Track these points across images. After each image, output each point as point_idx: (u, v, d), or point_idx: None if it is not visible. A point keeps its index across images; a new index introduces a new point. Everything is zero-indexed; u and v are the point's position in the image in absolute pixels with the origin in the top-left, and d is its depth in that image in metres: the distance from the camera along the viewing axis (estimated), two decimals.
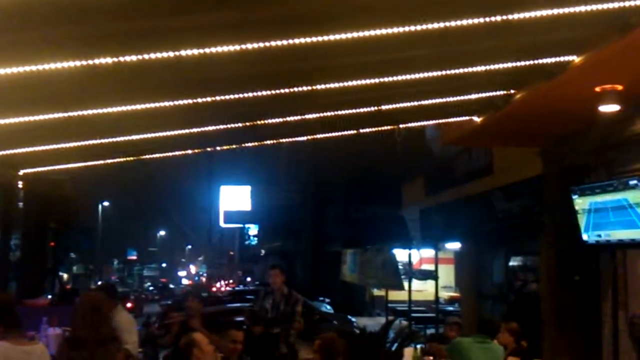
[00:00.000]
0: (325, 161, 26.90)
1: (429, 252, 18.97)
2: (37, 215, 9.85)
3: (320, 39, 4.64)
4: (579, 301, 8.57)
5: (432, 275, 15.43)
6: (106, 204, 50.18)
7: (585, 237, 7.52)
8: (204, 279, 58.14)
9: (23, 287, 9.76)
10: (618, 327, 7.70)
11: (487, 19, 4.56)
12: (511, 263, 13.92)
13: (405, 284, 15.39)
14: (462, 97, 7.12)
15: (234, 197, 40.88)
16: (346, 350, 5.53)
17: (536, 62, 5.89)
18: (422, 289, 21.73)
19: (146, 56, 4.50)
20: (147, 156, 8.60)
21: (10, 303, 5.16)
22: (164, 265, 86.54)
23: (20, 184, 8.86)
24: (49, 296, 10.09)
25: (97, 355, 5.37)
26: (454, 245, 17.94)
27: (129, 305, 27.04)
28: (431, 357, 7.55)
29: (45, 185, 9.53)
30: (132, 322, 7.13)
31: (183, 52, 4.53)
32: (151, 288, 57.81)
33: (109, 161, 8.57)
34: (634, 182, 6.72)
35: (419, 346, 8.33)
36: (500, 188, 11.28)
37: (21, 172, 8.66)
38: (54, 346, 5.93)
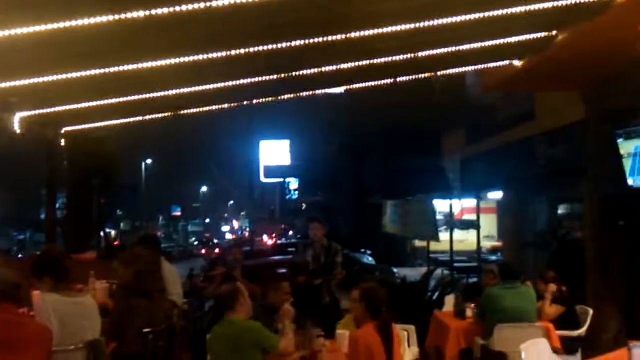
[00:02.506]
0: (364, 113, 26.69)
1: (470, 202, 18.86)
2: (80, 173, 10.04)
3: None
4: (623, 247, 8.44)
5: (474, 225, 15.37)
6: (150, 162, 51.04)
7: (630, 181, 7.34)
8: (247, 234, 59.03)
9: (70, 242, 10.02)
10: None
11: None
12: (555, 211, 13.73)
13: (447, 235, 15.37)
14: (501, 41, 6.92)
15: (274, 152, 41.09)
16: (387, 299, 5.55)
17: (578, 1, 5.67)
18: (464, 239, 21.70)
19: (177, 8, 4.48)
20: (185, 112, 8.64)
21: (60, 256, 5.29)
22: (207, 221, 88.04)
23: (62, 142, 9.00)
24: (96, 251, 10.37)
25: (154, 305, 5.64)
26: (496, 195, 17.77)
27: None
28: (473, 305, 7.55)
29: (88, 142, 9.69)
30: (176, 273, 7.29)
31: (214, 3, 4.49)
32: (196, 243, 59.03)
33: (147, 117, 8.65)
34: None
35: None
36: (543, 134, 11.05)
37: (63, 130, 8.80)
38: (101, 298, 6.11)
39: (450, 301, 8.49)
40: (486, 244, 22.03)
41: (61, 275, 5.00)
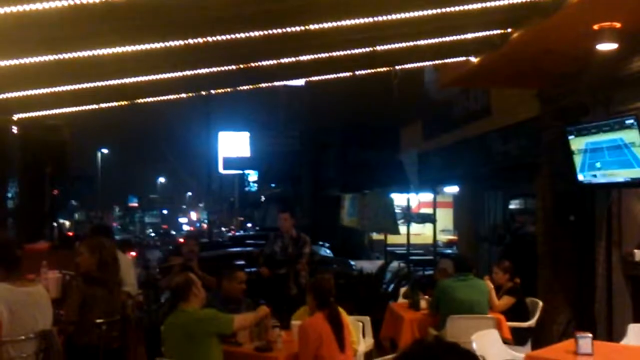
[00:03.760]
0: (323, 105, 26.76)
1: (427, 196, 19.08)
2: (33, 161, 9.83)
3: None
4: (573, 241, 8.67)
5: (430, 219, 15.57)
6: (105, 151, 50.21)
7: (580, 177, 7.53)
8: (205, 226, 58.64)
9: (22, 232, 9.82)
10: (611, 265, 7.80)
11: None
12: (508, 205, 14.01)
13: (404, 228, 15.53)
14: (458, 37, 7.01)
15: (233, 143, 40.82)
16: (336, 289, 5.63)
17: None
18: (421, 233, 21.96)
19: None
20: (141, 100, 8.53)
21: (10, 244, 5.20)
22: (164, 212, 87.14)
23: (15, 129, 8.81)
24: (49, 241, 10.18)
25: (112, 295, 5.62)
26: (453, 189, 18.03)
27: (132, 253, 27.36)
28: (426, 296, 7.68)
29: (41, 130, 9.49)
30: (130, 264, 7.22)
31: None
32: (152, 234, 58.36)
33: (103, 105, 8.51)
34: (630, 121, 6.69)
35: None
36: (498, 130, 11.25)
37: (15, 117, 8.60)
38: (53, 288, 6.01)
39: (404, 292, 8.62)
40: (442, 238, 22.35)
41: (11, 264, 4.91)
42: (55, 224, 12.13)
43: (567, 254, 8.78)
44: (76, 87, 7.15)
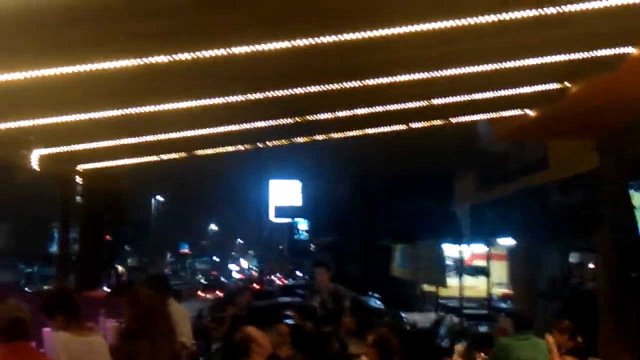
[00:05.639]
0: (376, 155, 26.80)
1: (481, 248, 18.75)
2: (94, 210, 10.09)
3: (369, 34, 4.64)
4: (636, 298, 8.36)
5: (484, 272, 15.26)
6: (160, 198, 51.21)
7: None
8: (254, 273, 58.78)
9: (81, 279, 10.03)
10: None
11: (541, 11, 4.48)
12: (566, 259, 13.64)
13: (456, 280, 15.27)
14: (515, 91, 7.00)
15: (284, 191, 41.18)
16: (400, 347, 5.52)
17: (592, 54, 5.75)
18: (474, 285, 21.48)
19: (199, 54, 4.59)
20: (200, 152, 8.74)
21: (70, 294, 5.30)
22: (215, 258, 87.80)
23: (78, 179, 9.09)
24: (106, 288, 10.36)
25: (157, 349, 5.56)
26: (507, 241, 17.67)
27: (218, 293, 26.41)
28: (482, 353, 7.47)
29: (102, 180, 9.77)
30: (185, 314, 7.25)
31: (235, 50, 4.60)
32: (203, 281, 58.70)
33: (163, 157, 8.75)
34: None
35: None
36: (556, 182, 11.04)
37: (79, 168, 8.90)
38: (110, 337, 6.08)
39: (459, 349, 8.41)
40: (497, 291, 21.81)
41: (72, 313, 4.99)
42: (112, 271, 12.37)
43: (630, 311, 8.46)
44: (139, 140, 7.39)
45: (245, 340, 5.18)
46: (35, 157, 7.48)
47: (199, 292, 39.33)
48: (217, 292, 35.48)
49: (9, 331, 3.99)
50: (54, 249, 22.30)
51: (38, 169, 7.58)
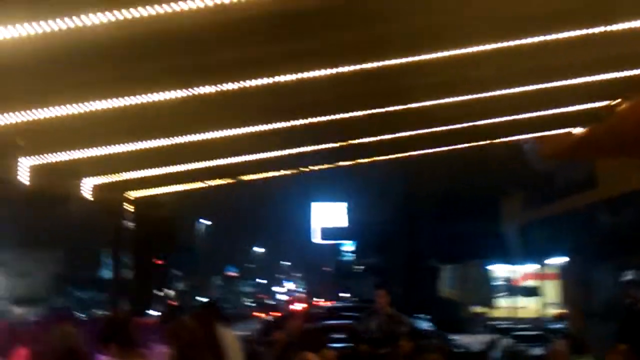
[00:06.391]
0: (422, 176, 26.65)
1: (531, 267, 18.41)
2: (144, 235, 10.29)
3: (412, 59, 4.67)
4: None
5: (535, 292, 14.97)
6: (207, 222, 51.78)
7: None
8: (301, 295, 58.71)
9: (133, 304, 10.20)
10: None
11: (587, 31, 4.45)
12: (621, 279, 13.28)
13: (507, 301, 15.02)
14: (561, 110, 6.92)
15: (330, 214, 41.20)
16: None
17: (638, 72, 5.66)
18: (525, 306, 21.03)
19: (245, 83, 4.69)
20: (246, 177, 8.85)
21: (125, 323, 5.39)
22: (261, 281, 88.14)
23: (128, 206, 9.29)
24: (156, 313, 10.51)
25: None
26: (558, 260, 17.31)
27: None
28: None
29: (151, 206, 9.96)
30: (235, 339, 7.30)
31: (280, 78, 4.68)
32: (250, 304, 58.93)
33: (210, 183, 8.89)
34: None
35: None
36: (606, 201, 10.83)
37: (129, 195, 9.10)
38: None
39: None
40: (550, 311, 21.33)
41: (126, 341, 5.09)
42: (162, 294, 12.54)
43: None
44: (187, 167, 7.53)
45: None
46: (87, 186, 7.69)
47: (255, 313, 39.76)
48: (273, 313, 35.70)
49: None
50: (106, 274, 22.75)
51: (90, 198, 7.79)
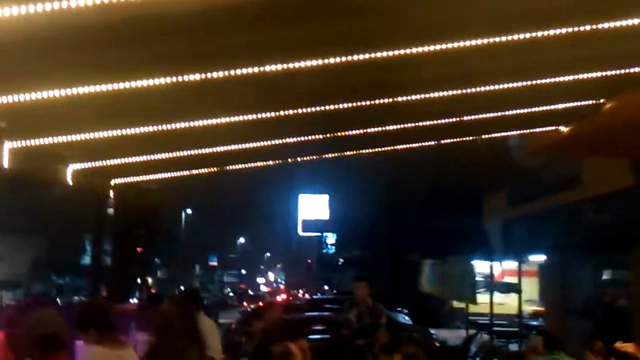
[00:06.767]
0: (405, 170, 26.73)
1: (511, 264, 18.49)
2: (126, 223, 10.21)
3: (400, 52, 4.65)
4: None
5: (515, 289, 15.04)
6: (190, 211, 51.59)
7: None
8: (282, 287, 58.78)
9: (113, 291, 10.14)
10: None
11: (576, 28, 4.45)
12: (600, 277, 13.40)
13: (486, 297, 15.08)
14: (548, 107, 6.94)
15: (313, 206, 41.23)
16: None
17: (626, 70, 5.68)
18: (504, 302, 21.17)
19: (232, 72, 4.64)
20: (231, 167, 8.80)
21: (105, 308, 5.34)
22: (243, 271, 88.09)
23: (111, 193, 9.21)
24: (136, 300, 10.44)
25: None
26: (538, 258, 17.42)
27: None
28: None
29: (134, 194, 9.88)
30: (215, 327, 7.27)
31: (267, 68, 4.64)
32: (231, 294, 58.86)
33: (194, 172, 8.83)
34: None
35: None
36: (590, 199, 10.88)
37: (112, 182, 9.02)
38: (141, 350, 6.12)
39: None
40: (528, 308, 21.47)
41: (105, 327, 5.04)
42: (142, 283, 12.47)
43: None
44: (171, 155, 7.47)
45: (285, 356, 5.18)
46: (69, 172, 7.60)
47: (236, 303, 39.94)
48: (254, 303, 35.84)
49: (44, 345, 4.05)
50: (86, 260, 22.61)
51: (72, 183, 7.70)
